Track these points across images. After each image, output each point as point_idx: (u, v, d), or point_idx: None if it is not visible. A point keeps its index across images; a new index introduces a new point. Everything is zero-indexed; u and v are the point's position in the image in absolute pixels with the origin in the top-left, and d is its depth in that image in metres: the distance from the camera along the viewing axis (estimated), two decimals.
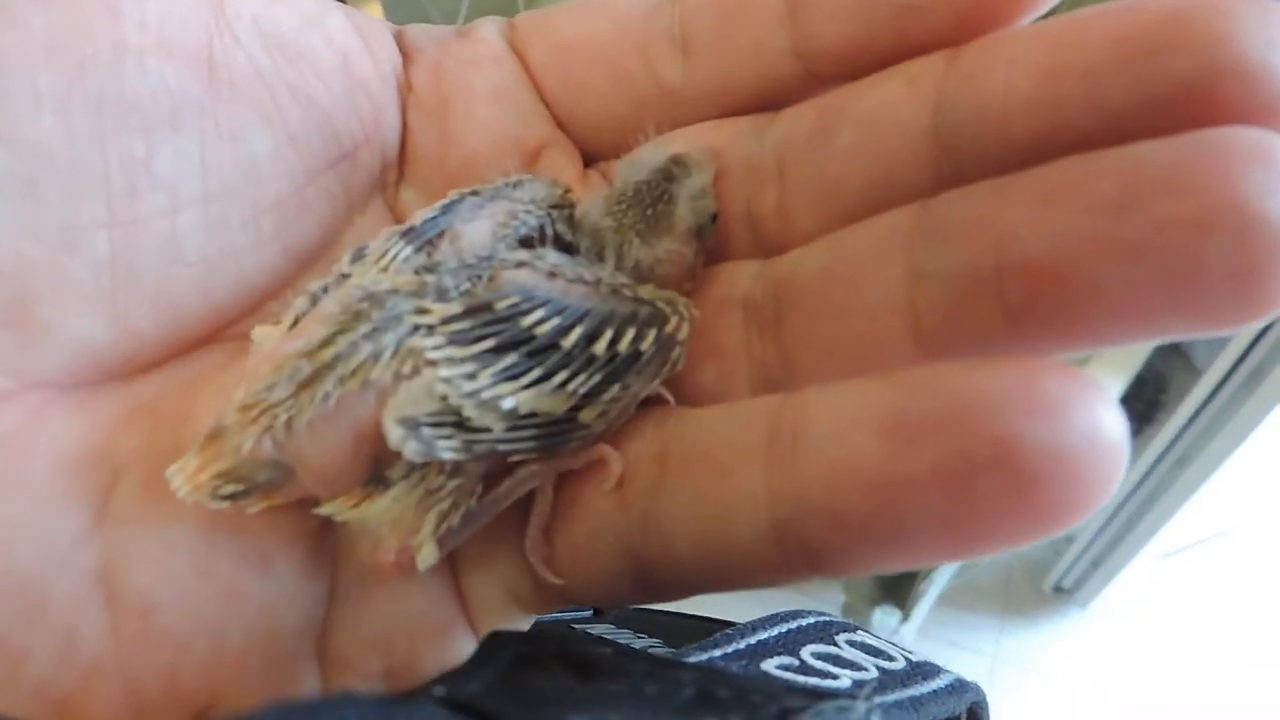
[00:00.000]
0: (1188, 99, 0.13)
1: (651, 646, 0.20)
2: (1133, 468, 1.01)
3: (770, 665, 0.15)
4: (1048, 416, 0.12)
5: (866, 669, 0.15)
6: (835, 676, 0.15)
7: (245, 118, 0.17)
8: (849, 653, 0.15)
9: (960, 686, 0.16)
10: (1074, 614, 1.19)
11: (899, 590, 1.05)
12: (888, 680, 0.15)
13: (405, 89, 0.21)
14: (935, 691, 0.15)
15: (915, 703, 0.15)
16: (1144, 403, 1.20)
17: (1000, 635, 1.18)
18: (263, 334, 0.17)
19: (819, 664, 0.15)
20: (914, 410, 0.13)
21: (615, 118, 0.21)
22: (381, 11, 0.75)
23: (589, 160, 0.22)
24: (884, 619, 1.04)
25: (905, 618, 1.04)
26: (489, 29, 0.22)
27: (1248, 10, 0.13)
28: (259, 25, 0.18)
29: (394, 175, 0.21)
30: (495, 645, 0.15)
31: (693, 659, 0.15)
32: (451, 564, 0.18)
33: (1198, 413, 0.96)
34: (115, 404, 0.17)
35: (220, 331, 0.18)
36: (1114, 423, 0.12)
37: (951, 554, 0.13)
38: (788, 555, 0.14)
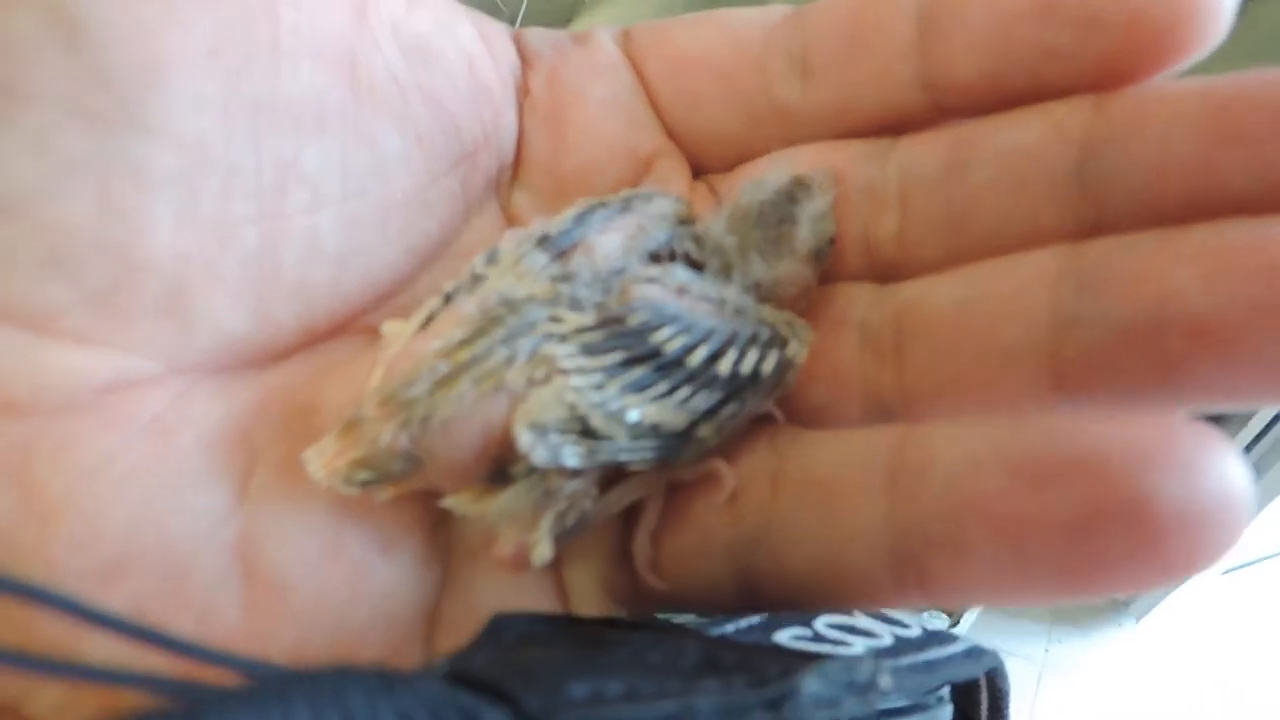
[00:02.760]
0: None
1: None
2: None
3: (783, 636, 0.15)
4: (1182, 474, 0.12)
5: (881, 636, 0.15)
6: (849, 644, 0.15)
7: (380, 120, 0.18)
8: (864, 622, 0.16)
9: (978, 652, 0.15)
10: (1127, 625, 1.17)
11: None
12: (902, 646, 0.15)
13: (522, 93, 0.22)
14: (951, 656, 0.15)
15: (930, 666, 0.15)
16: (1209, 415, 1.17)
17: (1049, 643, 1.16)
18: (392, 329, 0.17)
19: (833, 633, 0.15)
20: (1046, 454, 0.13)
21: (727, 132, 0.21)
22: None
23: (697, 172, 0.22)
24: (932, 622, 1.03)
25: (954, 622, 1.04)
26: (605, 37, 0.23)
27: None
28: (397, 30, 0.19)
29: (508, 177, 0.22)
30: (501, 625, 0.15)
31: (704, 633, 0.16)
32: (556, 557, 0.18)
33: (1267, 428, 0.94)
34: (252, 390, 0.18)
35: (348, 324, 0.19)
36: (1242, 480, 0.12)
37: (1065, 594, 0.13)
38: (903, 583, 0.15)
